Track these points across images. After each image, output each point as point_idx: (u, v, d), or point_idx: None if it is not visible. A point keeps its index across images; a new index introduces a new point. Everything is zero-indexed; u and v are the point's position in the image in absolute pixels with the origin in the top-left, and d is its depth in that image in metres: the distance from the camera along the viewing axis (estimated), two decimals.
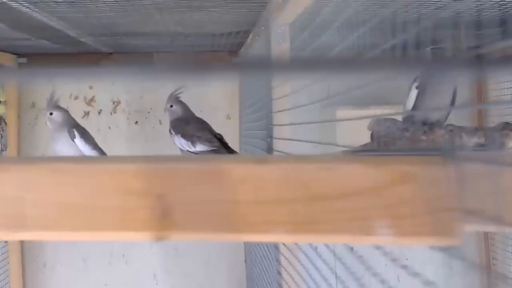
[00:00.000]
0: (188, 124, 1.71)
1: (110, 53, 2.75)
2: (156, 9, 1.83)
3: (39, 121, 2.72)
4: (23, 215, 0.55)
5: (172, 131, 1.72)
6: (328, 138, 1.66)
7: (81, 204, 0.56)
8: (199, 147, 1.64)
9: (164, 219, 0.57)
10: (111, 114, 2.77)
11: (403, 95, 1.80)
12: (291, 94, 1.62)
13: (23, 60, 2.70)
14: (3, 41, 2.36)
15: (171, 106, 1.76)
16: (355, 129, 1.57)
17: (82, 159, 0.63)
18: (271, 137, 1.69)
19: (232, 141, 2.61)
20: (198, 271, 2.80)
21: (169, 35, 2.36)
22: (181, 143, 1.67)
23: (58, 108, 1.78)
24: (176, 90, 1.81)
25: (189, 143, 1.65)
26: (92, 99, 2.77)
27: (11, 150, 2.58)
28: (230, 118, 2.76)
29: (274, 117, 1.67)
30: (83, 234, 0.57)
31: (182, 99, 1.90)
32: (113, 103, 2.77)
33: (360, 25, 1.10)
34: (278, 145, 1.66)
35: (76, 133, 1.73)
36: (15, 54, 2.69)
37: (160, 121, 2.76)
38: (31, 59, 2.71)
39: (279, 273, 1.77)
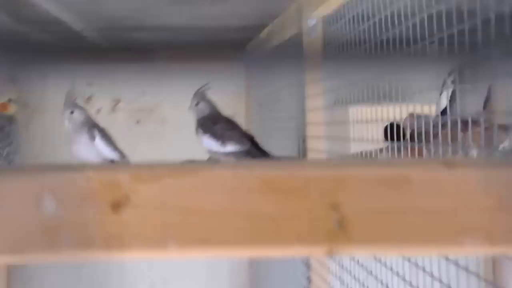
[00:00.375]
0: (217, 124, 1.61)
1: (111, 49, 2.64)
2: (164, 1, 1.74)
3: (33, 121, 2.61)
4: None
5: (199, 130, 1.62)
6: (341, 135, 1.60)
7: (238, 212, 0.48)
8: (230, 148, 1.55)
9: (339, 231, 0.48)
10: (110, 113, 2.66)
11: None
12: (327, 92, 1.54)
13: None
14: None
15: (197, 103, 1.66)
16: (368, 127, 1.51)
17: (234, 165, 0.54)
18: (303, 136, 1.61)
19: None
20: (201, 275, 2.71)
21: (172, 30, 2.26)
22: (210, 143, 1.58)
23: (79, 106, 1.67)
24: (202, 87, 1.70)
25: (219, 143, 1.56)
26: (90, 98, 2.66)
27: None
28: (235, 117, 2.66)
29: (308, 116, 1.59)
30: (241, 248, 0.48)
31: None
32: (113, 102, 2.66)
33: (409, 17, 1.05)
34: (313, 144, 1.58)
35: (96, 133, 1.62)
36: None
37: (164, 119, 2.66)
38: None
39: (309, 280, 1.69)
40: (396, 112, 1.49)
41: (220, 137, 1.57)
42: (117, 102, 2.65)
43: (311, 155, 1.58)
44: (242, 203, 0.47)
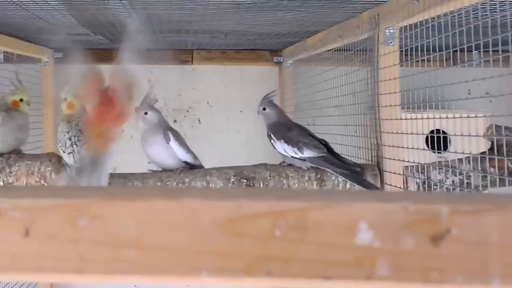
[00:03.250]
0: (291, 130, 1.58)
1: (148, 50, 2.58)
2: (231, 7, 1.69)
3: None
4: None
5: (272, 136, 1.59)
6: (413, 144, 1.57)
7: None
8: (307, 153, 1.52)
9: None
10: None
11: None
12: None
13: (59, 54, 2.53)
14: (41, 35, 2.20)
15: (264, 109, 1.64)
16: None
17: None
18: (378, 144, 1.57)
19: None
20: None
21: (209, 33, 2.22)
22: (285, 149, 1.55)
23: (153, 108, 1.63)
24: (269, 94, 1.68)
25: (295, 149, 1.53)
26: None
27: (48, 147, 2.41)
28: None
29: (383, 123, 1.55)
30: None
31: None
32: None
33: None
34: (388, 153, 1.55)
35: (171, 136, 1.59)
36: (52, 48, 2.51)
37: (199, 120, 2.62)
38: (67, 54, 2.54)
39: None
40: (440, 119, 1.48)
41: (297, 143, 1.54)
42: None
43: (387, 163, 1.55)
44: None
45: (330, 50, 2.02)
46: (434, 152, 1.92)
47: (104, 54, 2.55)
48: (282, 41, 2.39)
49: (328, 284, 0.43)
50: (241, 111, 2.58)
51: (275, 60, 2.60)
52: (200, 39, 2.37)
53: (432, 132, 1.61)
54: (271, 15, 1.80)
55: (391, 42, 1.53)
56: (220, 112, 2.59)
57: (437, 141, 1.59)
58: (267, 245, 0.41)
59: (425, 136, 1.75)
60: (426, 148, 1.91)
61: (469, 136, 1.30)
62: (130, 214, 0.42)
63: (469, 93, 2.24)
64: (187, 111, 2.61)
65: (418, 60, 1.50)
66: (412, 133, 1.52)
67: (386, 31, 1.54)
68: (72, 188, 0.47)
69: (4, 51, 2.22)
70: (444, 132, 1.62)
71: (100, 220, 0.42)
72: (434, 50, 1.42)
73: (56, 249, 0.42)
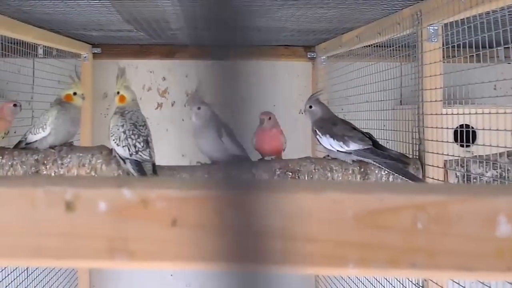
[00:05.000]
0: (336, 125, 1.59)
1: (186, 45, 2.59)
2: (276, 3, 1.69)
3: (110, 111, 2.56)
4: None
5: (318, 132, 1.59)
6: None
7: None
8: (353, 146, 1.52)
9: None
10: (184, 106, 2.62)
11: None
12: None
13: (98, 50, 2.54)
14: (76, 30, 2.20)
15: (310, 107, 1.64)
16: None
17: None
18: (420, 138, 1.57)
19: (305, 136, 2.50)
20: None
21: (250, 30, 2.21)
22: (331, 143, 1.55)
23: (205, 103, 1.63)
24: (315, 93, 1.69)
25: (341, 143, 1.53)
26: (165, 91, 2.62)
27: (85, 139, 2.42)
28: (302, 113, 2.62)
29: (426, 118, 1.55)
30: None
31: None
32: (187, 95, 2.61)
33: None
34: (431, 147, 1.55)
35: (223, 131, 1.59)
36: (90, 44, 2.52)
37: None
38: (105, 49, 2.55)
39: None
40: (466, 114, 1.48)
41: (342, 137, 1.54)
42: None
43: (429, 157, 1.55)
44: None
45: (368, 46, 2.02)
46: (462, 146, 1.91)
47: (141, 49, 2.56)
48: (317, 37, 2.39)
49: (470, 276, 0.43)
50: (274, 106, 2.58)
51: (309, 56, 2.60)
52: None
53: (461, 126, 1.62)
54: (312, 11, 1.79)
55: (434, 39, 1.53)
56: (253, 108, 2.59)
57: (465, 135, 1.59)
58: (410, 237, 0.42)
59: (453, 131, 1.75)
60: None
61: (497, 130, 1.30)
62: (273, 206, 0.42)
63: (494, 89, 2.23)
64: None
65: (455, 56, 1.51)
66: (453, 128, 1.53)
67: (430, 28, 1.53)
68: (217, 181, 0.47)
69: (44, 46, 2.22)
70: (469, 127, 1.63)
71: (246, 211, 0.42)
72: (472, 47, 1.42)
73: (202, 239, 0.42)
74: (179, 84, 2.62)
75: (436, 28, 1.53)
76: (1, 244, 0.43)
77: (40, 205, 0.43)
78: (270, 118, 1.70)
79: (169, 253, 0.41)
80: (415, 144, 1.60)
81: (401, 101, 2.29)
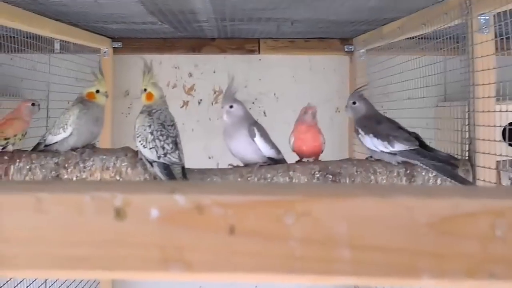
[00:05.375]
0: (380, 123, 1.58)
1: (213, 39, 2.60)
2: None
3: (132, 110, 2.58)
4: None
5: (360, 131, 1.59)
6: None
7: None
8: (398, 147, 1.51)
9: None
10: (212, 104, 2.63)
11: None
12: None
13: (118, 44, 2.56)
14: (95, 23, 2.21)
15: (354, 103, 1.63)
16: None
17: None
18: (471, 137, 1.56)
19: (341, 136, 2.49)
20: None
21: (275, 22, 2.21)
22: (374, 143, 1.54)
23: (238, 101, 1.64)
24: (360, 87, 1.68)
25: (385, 143, 1.52)
26: (191, 88, 2.63)
27: (105, 140, 2.44)
28: (339, 111, 2.62)
29: (477, 116, 1.54)
30: None
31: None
32: (214, 93, 2.63)
33: None
34: (482, 147, 1.54)
35: (256, 131, 1.60)
36: (110, 38, 2.54)
37: (264, 113, 2.62)
38: (126, 43, 2.57)
39: None
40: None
41: (387, 137, 1.54)
42: (219, 93, 2.61)
43: (480, 158, 1.54)
44: None
45: (411, 38, 2.01)
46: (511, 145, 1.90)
47: (165, 43, 2.58)
48: (355, 29, 2.38)
49: None
50: (308, 103, 2.57)
51: (346, 49, 2.59)
52: (267, 27, 2.37)
53: (509, 124, 1.61)
54: (351, 2, 1.79)
55: (486, 30, 1.52)
56: (287, 105, 2.59)
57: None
58: (488, 245, 0.42)
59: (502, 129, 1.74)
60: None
61: None
62: (339, 212, 0.43)
63: None
64: (253, 103, 2.62)
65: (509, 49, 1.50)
66: (501, 126, 1.52)
67: (481, 18, 1.52)
68: (274, 185, 0.48)
69: (61, 41, 2.24)
70: None
71: (308, 217, 0.43)
72: None
73: (262, 247, 0.42)
74: (206, 81, 2.63)
75: (488, 18, 1.52)
76: (44, 254, 0.43)
77: (87, 212, 0.43)
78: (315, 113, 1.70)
79: (227, 263, 0.41)
80: (464, 144, 1.59)
81: (445, 98, 2.28)
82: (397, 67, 2.15)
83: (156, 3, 1.76)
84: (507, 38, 1.50)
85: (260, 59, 2.62)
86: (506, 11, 1.47)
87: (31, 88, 2.26)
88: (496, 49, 1.54)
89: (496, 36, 1.54)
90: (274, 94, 2.63)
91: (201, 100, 2.63)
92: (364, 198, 0.43)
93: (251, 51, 2.61)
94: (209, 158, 2.58)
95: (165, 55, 2.59)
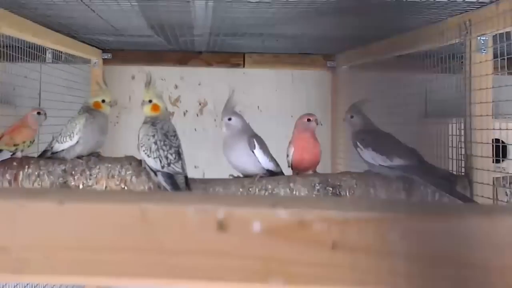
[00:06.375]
0: (379, 138, 1.59)
1: (200, 52, 2.60)
2: (315, 12, 1.70)
3: (120, 120, 2.57)
4: None
5: (359, 144, 1.60)
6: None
7: None
8: (397, 162, 1.52)
9: None
10: (197, 115, 2.63)
11: None
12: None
13: (108, 55, 2.54)
14: (92, 35, 2.21)
15: (351, 116, 1.65)
16: None
17: None
18: (467, 154, 1.59)
19: (324, 149, 2.50)
20: None
21: (260, 36, 2.22)
22: (373, 157, 1.55)
23: (236, 113, 1.65)
24: (359, 101, 1.69)
25: (384, 157, 1.53)
26: (177, 99, 2.63)
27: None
28: (321, 124, 2.63)
29: (474, 133, 1.57)
30: None
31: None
32: (200, 104, 2.63)
33: None
34: (480, 163, 1.56)
35: (256, 143, 1.60)
36: (100, 49, 2.53)
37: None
38: (115, 55, 2.56)
39: None
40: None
41: (386, 152, 1.55)
42: (204, 105, 2.62)
43: (477, 174, 1.56)
44: None
45: (399, 56, 2.03)
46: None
47: (153, 55, 2.58)
48: (337, 45, 2.40)
49: None
50: (291, 116, 2.59)
51: (329, 65, 2.62)
52: (253, 42, 2.38)
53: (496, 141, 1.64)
54: (337, 19, 1.80)
55: (484, 50, 1.54)
56: (270, 117, 2.61)
57: (497, 150, 1.62)
58: None
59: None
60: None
61: None
62: (444, 229, 0.43)
63: None
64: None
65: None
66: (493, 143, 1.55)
67: (480, 38, 1.55)
68: (375, 201, 0.48)
69: (53, 51, 2.22)
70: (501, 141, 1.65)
71: (412, 234, 0.43)
72: None
73: (364, 263, 0.42)
74: (191, 93, 2.63)
75: (486, 38, 1.55)
76: (147, 263, 0.43)
77: (190, 224, 0.43)
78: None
79: (329, 279, 0.41)
80: (461, 160, 1.61)
81: (425, 114, 2.30)
82: (380, 84, 2.17)
83: (159, 17, 1.76)
84: (502, 59, 1.53)
85: (244, 73, 2.64)
86: (503, 33, 1.49)
87: (23, 96, 2.24)
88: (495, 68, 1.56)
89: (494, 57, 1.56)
90: (258, 107, 2.65)
91: (186, 111, 2.63)
92: (472, 217, 0.43)
93: (236, 65, 2.62)
94: (195, 167, 2.58)
95: (153, 67, 2.58)
